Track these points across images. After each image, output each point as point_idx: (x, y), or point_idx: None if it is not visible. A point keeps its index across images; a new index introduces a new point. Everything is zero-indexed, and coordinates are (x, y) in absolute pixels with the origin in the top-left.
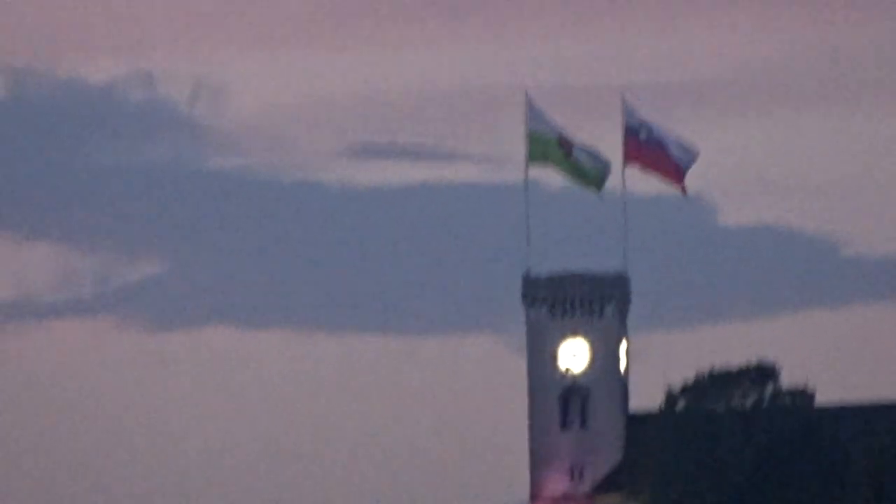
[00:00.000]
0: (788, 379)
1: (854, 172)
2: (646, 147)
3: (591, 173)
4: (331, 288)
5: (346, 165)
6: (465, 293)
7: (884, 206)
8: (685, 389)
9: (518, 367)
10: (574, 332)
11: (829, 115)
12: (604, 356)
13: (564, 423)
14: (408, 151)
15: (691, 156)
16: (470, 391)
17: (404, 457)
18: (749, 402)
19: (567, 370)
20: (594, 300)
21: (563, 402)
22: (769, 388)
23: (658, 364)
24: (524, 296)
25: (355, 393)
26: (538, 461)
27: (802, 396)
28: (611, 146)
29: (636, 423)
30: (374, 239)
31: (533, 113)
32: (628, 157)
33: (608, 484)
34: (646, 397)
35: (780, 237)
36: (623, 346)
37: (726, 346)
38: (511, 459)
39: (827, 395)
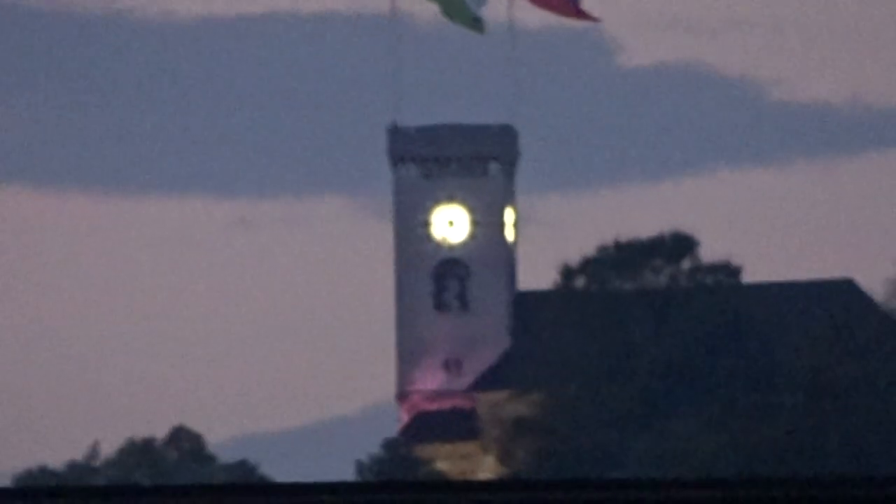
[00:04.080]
0: (709, 253)
1: (785, 5)
2: None
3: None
4: (153, 144)
5: None
6: (318, 147)
7: (821, 43)
8: (585, 265)
9: (383, 236)
10: (451, 196)
11: None
12: (487, 225)
13: (439, 305)
14: None
15: None
16: (323, 265)
17: (240, 347)
18: (662, 280)
19: (442, 240)
20: (475, 157)
21: (438, 280)
22: (686, 264)
23: (552, 234)
24: (390, 151)
25: (187, 266)
26: (407, 351)
27: (726, 273)
28: None
29: (526, 306)
30: (203, 79)
31: None
32: None
33: (492, 378)
34: (538, 274)
35: (694, 80)
36: (510, 212)
37: (634, 212)
38: (374, 349)
39: (755, 271)
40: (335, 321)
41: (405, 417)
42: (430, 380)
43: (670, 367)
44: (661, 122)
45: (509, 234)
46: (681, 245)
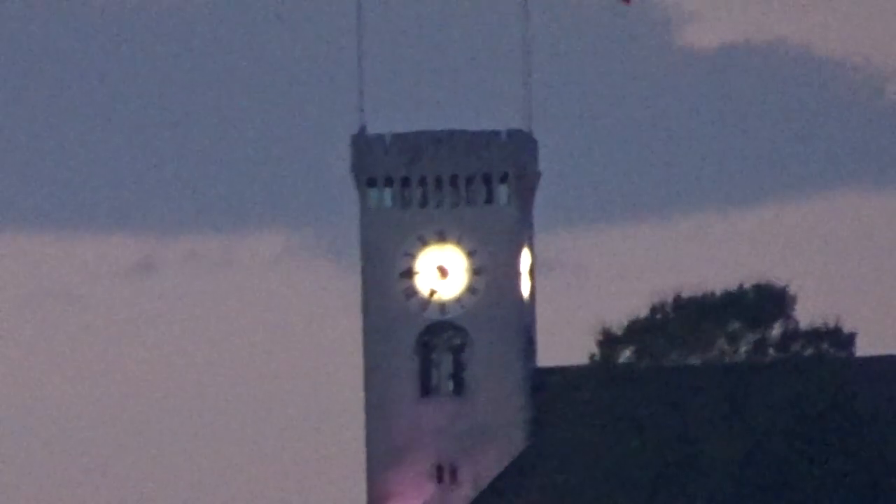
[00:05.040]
0: (809, 313)
1: None
2: None
3: None
4: (27, 167)
5: None
6: (254, 163)
7: None
8: (632, 330)
9: (347, 288)
10: (442, 234)
11: None
12: (493, 273)
13: (426, 389)
14: None
15: None
16: (261, 327)
17: (144, 440)
18: (742, 350)
19: (431, 295)
20: (476, 178)
21: (424, 353)
22: (776, 328)
23: (585, 286)
24: (356, 169)
25: (68, 326)
26: (382, 452)
27: (832, 342)
28: None
29: (549, 388)
30: (92, 76)
31: None
32: None
33: (501, 489)
34: (565, 343)
35: (785, 68)
36: (525, 256)
37: (701, 255)
38: (336, 449)
39: (872, 339)
40: (279, 408)
41: None
42: (414, 491)
43: (750, 472)
44: (738, 127)
45: (525, 286)
46: (769, 302)
